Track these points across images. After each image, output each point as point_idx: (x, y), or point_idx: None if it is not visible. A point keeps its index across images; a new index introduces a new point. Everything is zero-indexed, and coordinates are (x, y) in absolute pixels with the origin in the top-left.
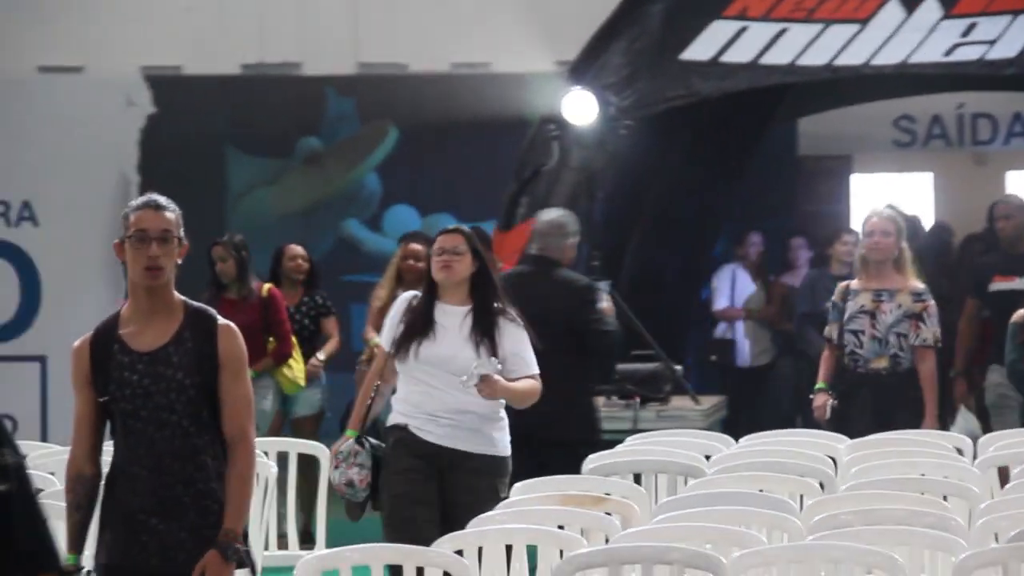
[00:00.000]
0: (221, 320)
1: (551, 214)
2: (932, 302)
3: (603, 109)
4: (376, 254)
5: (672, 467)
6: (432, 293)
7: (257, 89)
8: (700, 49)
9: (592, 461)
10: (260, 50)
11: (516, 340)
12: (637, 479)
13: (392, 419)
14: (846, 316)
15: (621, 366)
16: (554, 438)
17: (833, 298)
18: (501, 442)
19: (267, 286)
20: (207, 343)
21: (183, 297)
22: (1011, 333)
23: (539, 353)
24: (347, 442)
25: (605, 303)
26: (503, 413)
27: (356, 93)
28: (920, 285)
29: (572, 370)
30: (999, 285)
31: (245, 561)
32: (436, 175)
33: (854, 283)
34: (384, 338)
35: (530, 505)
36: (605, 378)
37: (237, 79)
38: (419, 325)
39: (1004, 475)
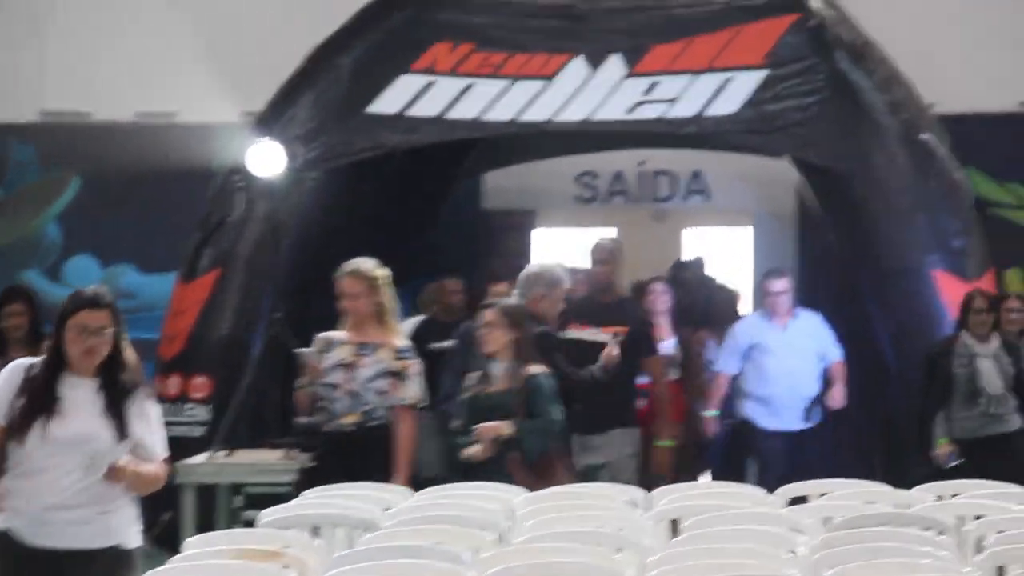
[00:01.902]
0: None
1: (533, 266)
2: (414, 360)
3: (290, 161)
4: (56, 305)
5: (349, 520)
6: (58, 364)
7: None
8: (388, 102)
9: (268, 514)
10: None
11: (148, 420)
12: (315, 532)
13: None
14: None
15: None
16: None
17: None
18: (131, 533)
19: None
20: None
21: None
22: None
23: None
24: None
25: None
26: (132, 500)
27: (37, 141)
28: (401, 343)
29: None
30: (572, 333)
31: None
32: (119, 225)
33: (337, 334)
34: None
35: (204, 559)
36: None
37: None
38: (42, 399)
39: (676, 527)
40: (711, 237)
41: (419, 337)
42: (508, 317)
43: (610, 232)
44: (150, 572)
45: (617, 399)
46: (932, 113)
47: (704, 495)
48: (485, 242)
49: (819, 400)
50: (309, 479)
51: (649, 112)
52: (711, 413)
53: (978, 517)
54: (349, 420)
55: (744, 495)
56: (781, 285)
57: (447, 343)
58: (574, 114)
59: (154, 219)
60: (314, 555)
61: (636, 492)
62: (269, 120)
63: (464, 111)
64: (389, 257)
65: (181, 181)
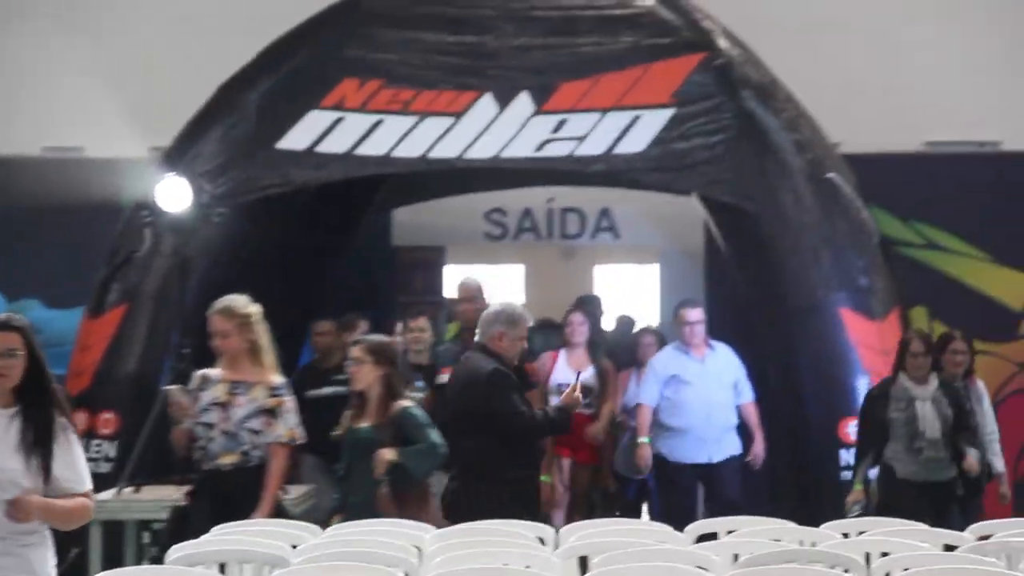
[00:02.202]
0: None
1: (495, 305)
2: (289, 397)
3: (197, 196)
4: None
5: (256, 556)
6: None
7: None
8: (296, 138)
9: (176, 551)
10: None
11: (69, 451)
12: (223, 568)
13: None
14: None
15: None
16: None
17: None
18: (48, 567)
19: None
20: None
21: None
22: None
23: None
24: None
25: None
26: (47, 532)
27: None
28: (276, 380)
29: (490, 453)
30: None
31: None
32: (25, 260)
33: (213, 372)
34: None
35: None
36: (526, 460)
37: None
38: None
39: (585, 564)
40: (620, 274)
41: (296, 386)
42: (374, 354)
43: (519, 269)
44: None
45: None
46: (838, 152)
47: (613, 532)
48: (395, 279)
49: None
50: (184, 518)
51: (557, 150)
52: (645, 440)
53: (884, 554)
54: (227, 460)
55: (653, 532)
56: (696, 315)
57: (324, 390)
58: (483, 151)
59: (61, 254)
60: None
61: (545, 530)
62: (176, 155)
63: (373, 147)
64: (297, 294)
65: (88, 216)
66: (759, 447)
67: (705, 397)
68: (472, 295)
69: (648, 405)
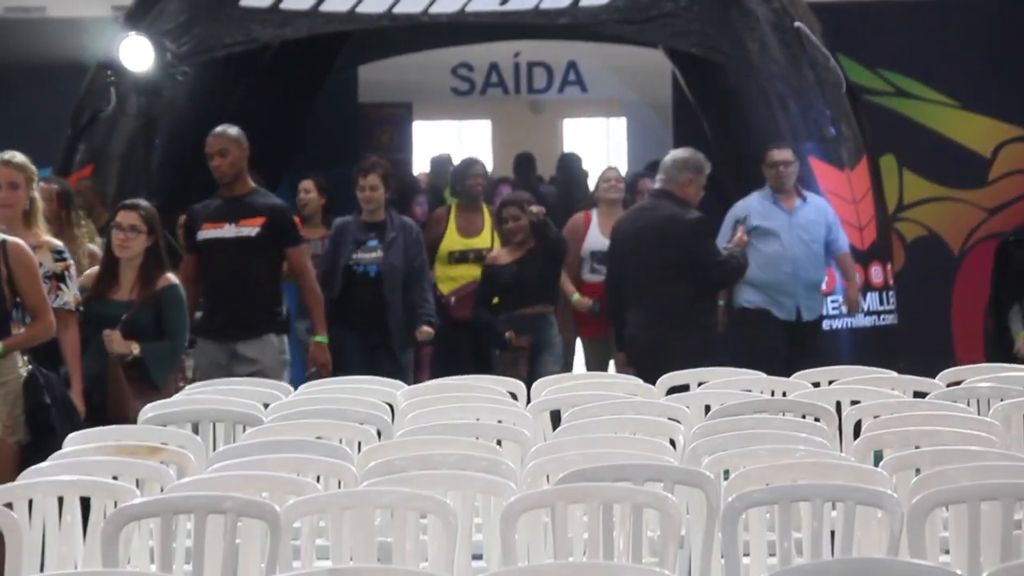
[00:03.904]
0: None
1: (677, 151)
2: (71, 261)
3: (160, 55)
4: None
5: (229, 416)
6: None
7: None
8: None
9: (148, 411)
10: None
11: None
12: (195, 429)
13: None
14: None
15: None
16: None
17: None
18: None
19: None
20: None
21: None
22: None
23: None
24: None
25: None
26: None
27: None
28: (57, 243)
29: (685, 300)
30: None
31: None
32: None
33: None
34: None
35: (83, 456)
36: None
37: None
38: None
39: (556, 419)
40: (587, 128)
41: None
42: (149, 221)
43: (486, 124)
44: (29, 469)
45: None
46: (804, 1)
47: (584, 386)
48: (362, 135)
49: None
50: None
51: (523, 3)
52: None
53: (855, 403)
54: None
55: (624, 384)
56: (785, 155)
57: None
58: (448, 6)
59: (25, 114)
60: (194, 451)
61: (516, 384)
62: (139, 14)
63: (337, 4)
64: (264, 152)
65: (51, 76)
66: (852, 292)
67: (792, 253)
68: (483, 171)
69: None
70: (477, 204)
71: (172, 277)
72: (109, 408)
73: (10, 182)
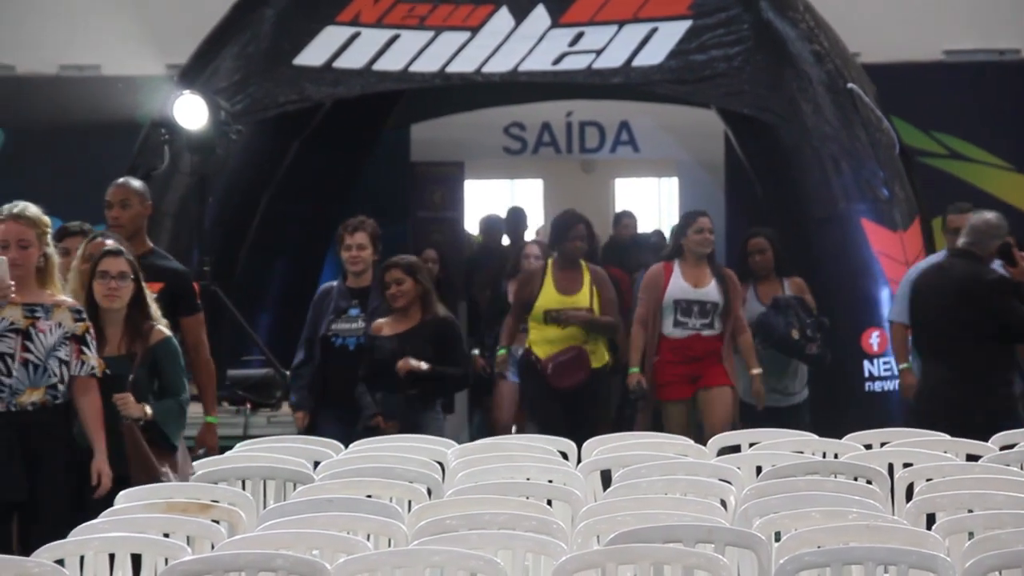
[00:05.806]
0: None
1: (987, 215)
2: (89, 322)
3: (214, 113)
4: None
5: (280, 473)
6: None
7: None
8: (313, 54)
9: (199, 468)
10: None
11: None
12: (244, 486)
13: None
14: None
15: (232, 371)
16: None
17: None
18: None
19: None
20: None
21: None
22: None
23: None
24: None
25: None
26: None
27: None
28: (76, 303)
29: (995, 359)
30: None
31: None
32: (44, 178)
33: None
34: None
35: (134, 513)
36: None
37: None
38: None
39: (607, 479)
40: (639, 188)
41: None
42: (135, 267)
43: (538, 184)
44: (82, 526)
45: None
46: (857, 62)
47: (635, 445)
48: (414, 195)
49: None
50: None
51: (575, 63)
52: (905, 366)
53: (907, 465)
54: (30, 398)
55: (674, 445)
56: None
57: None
58: (500, 65)
59: (79, 172)
60: (245, 508)
61: (567, 444)
62: (193, 73)
63: (390, 63)
64: (316, 210)
65: (105, 134)
66: None
67: None
68: (583, 232)
69: (902, 323)
70: (576, 263)
71: (164, 329)
72: (134, 475)
73: (20, 239)
